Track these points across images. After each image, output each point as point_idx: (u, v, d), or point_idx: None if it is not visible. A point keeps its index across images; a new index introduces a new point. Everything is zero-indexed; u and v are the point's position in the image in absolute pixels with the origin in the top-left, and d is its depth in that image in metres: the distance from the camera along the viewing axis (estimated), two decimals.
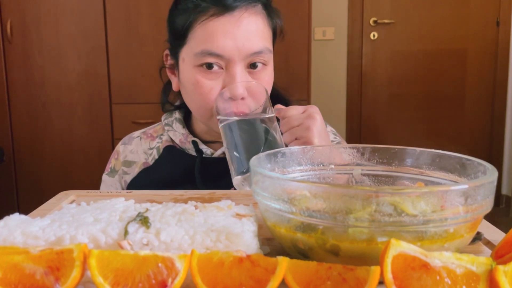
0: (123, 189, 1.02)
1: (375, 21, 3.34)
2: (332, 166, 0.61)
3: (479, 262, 0.39)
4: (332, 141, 0.99)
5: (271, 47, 0.91)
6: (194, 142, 0.96)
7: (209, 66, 0.86)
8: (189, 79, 0.89)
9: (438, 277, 0.38)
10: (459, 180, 0.53)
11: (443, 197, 0.43)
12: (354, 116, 3.45)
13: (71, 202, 0.65)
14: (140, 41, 2.51)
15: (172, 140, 1.00)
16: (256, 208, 0.53)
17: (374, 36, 3.35)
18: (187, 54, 0.89)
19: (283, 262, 0.40)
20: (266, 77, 0.91)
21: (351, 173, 0.61)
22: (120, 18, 2.51)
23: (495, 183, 0.46)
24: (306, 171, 0.60)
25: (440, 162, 0.55)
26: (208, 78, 0.87)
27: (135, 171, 1.00)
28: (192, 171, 0.93)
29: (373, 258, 0.42)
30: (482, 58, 3.32)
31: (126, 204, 0.55)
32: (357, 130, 3.46)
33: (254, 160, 0.52)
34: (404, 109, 3.42)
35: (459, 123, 3.40)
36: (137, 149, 1.03)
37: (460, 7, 3.27)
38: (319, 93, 3.17)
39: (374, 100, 3.44)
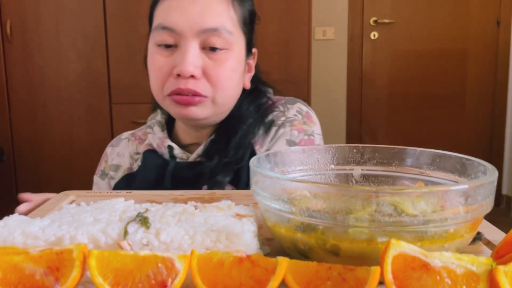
0: None
1: (375, 21, 3.33)
2: (332, 166, 0.61)
3: (479, 262, 0.39)
4: (289, 117, 0.94)
5: (232, 29, 0.85)
6: (169, 147, 0.92)
7: (168, 46, 0.84)
8: (148, 58, 0.88)
9: (438, 277, 0.38)
10: (459, 180, 0.53)
11: (443, 197, 0.43)
12: (354, 116, 3.45)
13: (71, 202, 0.65)
14: (140, 41, 2.51)
15: (151, 144, 0.95)
16: (256, 208, 0.53)
17: (374, 36, 3.35)
18: (151, 34, 0.88)
19: (283, 262, 0.40)
20: (228, 63, 0.85)
21: (351, 173, 0.61)
22: (120, 18, 2.51)
23: (495, 183, 0.46)
24: (306, 171, 0.60)
25: (440, 162, 0.55)
26: (162, 55, 0.85)
27: (118, 175, 0.97)
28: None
29: (373, 258, 0.42)
30: (482, 58, 3.32)
31: (126, 204, 0.55)
32: (357, 130, 3.46)
33: (254, 160, 0.52)
34: (404, 109, 3.42)
35: (459, 123, 3.40)
36: (124, 152, 0.99)
37: (460, 7, 3.26)
38: (319, 93, 3.17)
39: (374, 100, 3.44)
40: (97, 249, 0.43)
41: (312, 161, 0.60)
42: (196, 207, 0.53)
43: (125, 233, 0.45)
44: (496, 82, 3.33)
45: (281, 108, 0.95)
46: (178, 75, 0.82)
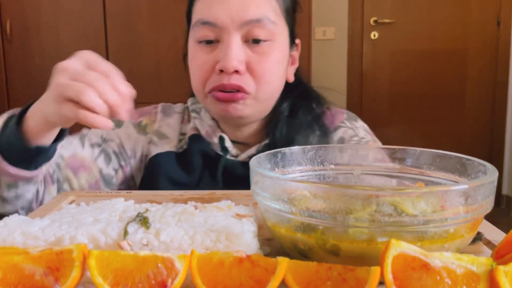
0: (130, 154, 0.90)
1: (375, 21, 3.33)
2: (332, 166, 0.60)
3: (479, 262, 0.39)
4: (363, 138, 0.90)
5: (275, 19, 0.82)
6: (221, 138, 0.87)
7: (209, 42, 0.81)
8: (189, 56, 0.85)
9: (438, 277, 0.38)
10: (459, 180, 0.53)
11: (443, 197, 0.43)
12: None
13: (71, 203, 0.65)
14: (140, 41, 2.51)
15: (197, 129, 0.90)
16: (256, 208, 0.53)
17: (374, 36, 3.35)
18: (191, 31, 0.85)
19: (283, 262, 0.40)
20: (273, 55, 0.82)
21: (351, 173, 0.61)
22: (120, 18, 2.51)
23: (496, 183, 0.46)
24: (306, 171, 0.60)
25: (440, 162, 0.55)
26: (203, 52, 0.81)
27: (164, 148, 0.90)
28: (214, 170, 0.86)
29: (373, 258, 0.41)
30: (482, 58, 3.32)
31: (125, 204, 0.55)
32: None
33: (254, 160, 0.52)
34: (404, 109, 3.42)
35: (459, 123, 3.40)
36: (175, 125, 0.93)
37: (460, 7, 3.26)
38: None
39: (374, 100, 3.44)
40: (97, 249, 0.43)
41: (312, 161, 0.60)
42: (196, 207, 0.53)
43: (125, 233, 0.45)
44: (496, 82, 3.33)
45: (348, 125, 0.92)
46: (221, 71, 0.79)
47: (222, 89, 0.80)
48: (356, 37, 3.37)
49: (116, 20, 2.51)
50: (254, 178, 0.49)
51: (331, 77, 3.37)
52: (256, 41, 0.80)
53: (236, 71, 0.79)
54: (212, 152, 0.88)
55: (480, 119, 3.39)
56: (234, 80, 0.79)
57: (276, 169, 0.57)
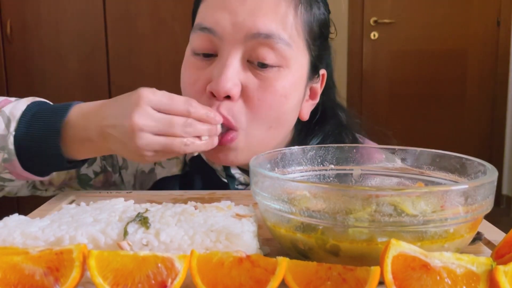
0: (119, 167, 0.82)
1: (375, 21, 3.33)
2: (332, 166, 0.60)
3: (479, 262, 0.39)
4: None
5: (291, 41, 0.66)
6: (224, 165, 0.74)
7: (206, 56, 0.68)
8: (182, 66, 0.71)
9: (438, 277, 0.38)
10: (459, 180, 0.53)
11: (443, 197, 0.43)
12: None
13: (71, 203, 0.65)
14: (140, 41, 2.51)
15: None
16: (256, 208, 0.53)
17: (374, 36, 3.35)
18: (190, 37, 0.71)
19: (283, 263, 0.40)
20: (279, 85, 0.65)
21: (351, 173, 0.61)
22: (120, 18, 2.51)
23: (495, 183, 0.46)
24: (306, 171, 0.60)
25: (440, 162, 0.55)
26: (197, 67, 0.68)
27: (172, 170, 0.79)
28: None
29: (373, 258, 0.41)
30: (482, 58, 3.32)
31: (125, 205, 0.55)
32: None
33: (254, 160, 0.52)
34: (404, 109, 3.41)
35: (459, 123, 3.40)
36: None
37: (460, 7, 3.26)
38: None
39: (374, 100, 3.44)
40: (96, 249, 0.43)
41: (312, 161, 0.60)
42: (195, 207, 0.53)
43: (125, 233, 0.45)
44: (496, 82, 3.33)
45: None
46: (212, 94, 0.65)
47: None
48: (356, 37, 3.36)
49: (116, 20, 2.51)
50: (254, 178, 0.49)
51: None
52: (262, 65, 0.65)
53: (228, 97, 0.65)
54: (216, 180, 0.76)
55: (480, 119, 3.39)
56: (225, 108, 0.65)
57: (276, 169, 0.57)
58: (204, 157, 0.78)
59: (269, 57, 0.65)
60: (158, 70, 2.52)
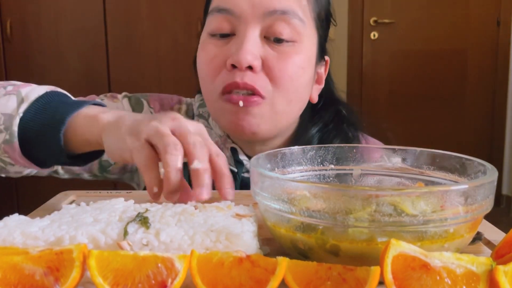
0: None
1: (375, 21, 3.33)
2: (332, 166, 0.61)
3: (479, 262, 0.39)
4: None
5: (305, 18, 0.70)
6: (233, 150, 0.76)
7: (223, 36, 0.70)
8: (198, 50, 0.73)
9: (438, 277, 0.38)
10: (459, 180, 0.53)
11: (443, 197, 0.43)
12: None
13: (71, 203, 0.65)
14: (140, 41, 2.51)
15: None
16: (256, 208, 0.53)
17: (374, 36, 3.35)
18: (206, 23, 0.73)
19: (283, 262, 0.40)
20: (296, 58, 0.69)
21: (351, 173, 0.61)
22: (120, 18, 2.51)
23: (495, 183, 0.46)
24: (306, 171, 0.60)
25: (440, 162, 0.55)
26: (214, 45, 0.70)
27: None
28: None
29: (373, 258, 0.41)
30: (482, 58, 3.32)
31: (125, 205, 0.55)
32: None
33: (254, 160, 0.52)
34: (404, 109, 3.42)
35: (459, 123, 3.40)
36: None
37: (460, 7, 3.26)
38: None
39: (374, 100, 3.44)
40: (97, 249, 0.43)
41: (312, 161, 0.60)
42: (196, 207, 0.53)
43: (125, 233, 0.45)
44: (496, 82, 3.33)
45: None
46: (233, 66, 0.67)
47: (235, 88, 0.68)
48: (356, 37, 3.37)
49: (116, 20, 2.51)
50: (254, 178, 0.49)
51: None
52: (278, 40, 0.69)
53: (250, 68, 0.67)
54: None
55: (480, 119, 3.39)
56: (248, 79, 0.67)
57: (276, 169, 0.57)
58: (222, 133, 0.76)
59: (285, 32, 0.68)
60: (158, 70, 2.52)
